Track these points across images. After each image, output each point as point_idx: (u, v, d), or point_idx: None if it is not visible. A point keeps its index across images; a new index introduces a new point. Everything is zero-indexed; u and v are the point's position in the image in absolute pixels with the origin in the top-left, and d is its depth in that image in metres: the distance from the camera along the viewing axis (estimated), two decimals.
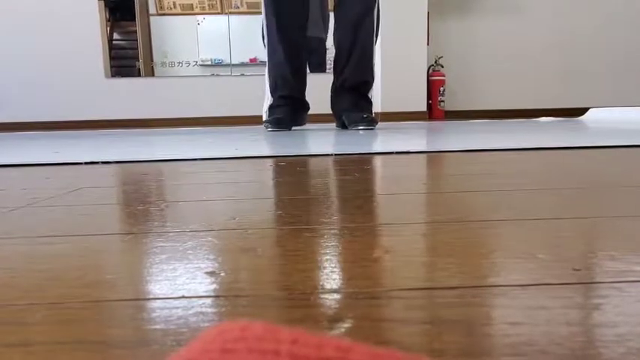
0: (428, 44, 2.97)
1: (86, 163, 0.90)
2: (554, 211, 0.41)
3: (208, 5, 3.59)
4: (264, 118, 1.91)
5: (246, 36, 3.55)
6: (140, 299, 0.24)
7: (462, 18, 3.13)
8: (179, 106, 3.09)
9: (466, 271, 0.26)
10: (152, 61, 3.62)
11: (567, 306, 0.21)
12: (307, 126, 2.11)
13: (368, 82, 1.88)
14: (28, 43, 3.01)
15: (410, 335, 0.19)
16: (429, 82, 3.03)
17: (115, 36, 3.45)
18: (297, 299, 0.23)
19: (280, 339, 0.11)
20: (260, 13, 1.86)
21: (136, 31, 3.52)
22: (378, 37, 1.90)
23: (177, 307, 0.22)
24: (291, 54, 1.82)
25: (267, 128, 1.86)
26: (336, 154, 0.95)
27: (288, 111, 1.90)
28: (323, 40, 2.89)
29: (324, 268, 0.27)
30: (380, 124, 1.97)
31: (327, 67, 3.01)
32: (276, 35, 1.80)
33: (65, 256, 0.31)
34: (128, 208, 0.48)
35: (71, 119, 3.02)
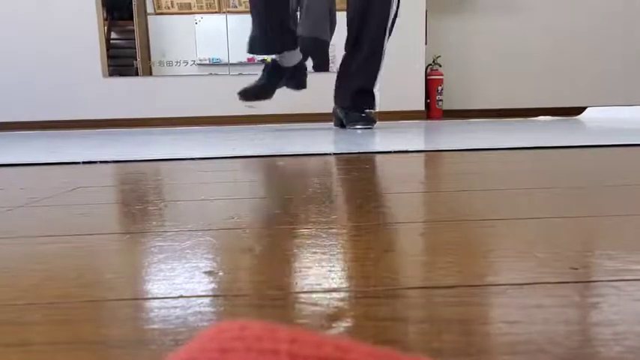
0: (426, 43, 2.97)
1: (84, 163, 0.90)
2: (552, 210, 0.41)
3: (206, 4, 3.58)
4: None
5: (244, 35, 3.54)
6: (138, 299, 0.24)
7: (460, 17, 3.13)
8: (177, 105, 3.08)
9: (464, 270, 0.26)
10: (150, 60, 3.61)
11: (565, 305, 0.21)
12: (306, 125, 2.11)
13: (373, 75, 1.81)
14: (26, 42, 3.00)
15: (408, 334, 0.19)
16: (427, 81, 3.04)
17: (113, 35, 3.44)
18: (296, 298, 0.23)
19: (279, 338, 0.11)
20: None
21: (133, 31, 3.52)
22: (394, 25, 1.81)
23: (176, 307, 0.22)
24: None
25: (240, 99, 1.83)
26: (334, 154, 0.95)
27: (267, 77, 1.85)
28: (326, 42, 2.87)
29: (323, 267, 0.27)
30: (378, 124, 1.97)
31: (330, 67, 3.00)
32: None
33: (63, 256, 0.31)
34: (126, 207, 0.48)
35: (69, 118, 3.01)
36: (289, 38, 1.86)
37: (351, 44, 1.83)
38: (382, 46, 1.80)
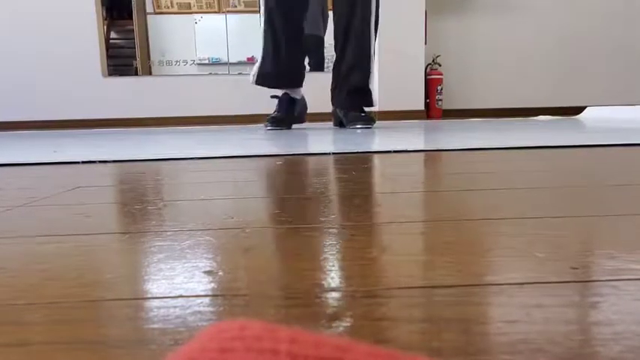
0: (425, 43, 2.97)
1: (83, 162, 0.90)
2: (552, 209, 0.41)
3: (206, 4, 3.58)
4: (252, 80, 1.90)
5: (243, 35, 3.55)
6: (138, 299, 0.24)
7: (460, 17, 3.13)
8: (176, 105, 3.08)
9: (464, 269, 0.26)
10: (149, 59, 3.61)
11: (564, 304, 0.21)
12: (305, 125, 2.11)
13: (366, 72, 1.84)
14: (25, 41, 3.00)
15: (408, 334, 0.19)
16: (426, 80, 3.04)
17: (112, 35, 3.44)
18: (295, 298, 0.23)
19: (278, 338, 0.11)
20: (257, 12, 1.85)
21: (133, 30, 3.52)
22: (379, 22, 1.85)
23: (175, 307, 0.22)
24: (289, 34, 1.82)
25: (266, 127, 1.87)
26: (334, 153, 0.95)
27: (288, 108, 1.90)
28: (321, 39, 2.88)
29: (322, 266, 0.27)
30: (378, 123, 1.97)
31: (326, 65, 3.01)
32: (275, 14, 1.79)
33: (63, 256, 0.31)
34: (126, 207, 0.48)
35: (68, 118, 3.01)
36: (301, 76, 1.95)
37: (340, 47, 1.87)
38: (370, 44, 1.84)
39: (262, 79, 1.88)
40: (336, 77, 1.91)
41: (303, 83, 1.97)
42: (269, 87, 1.92)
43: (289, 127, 1.92)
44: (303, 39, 1.92)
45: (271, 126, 1.86)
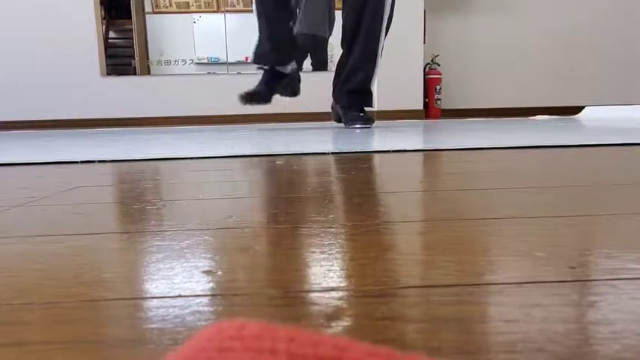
0: (424, 42, 2.97)
1: (82, 162, 0.90)
2: (550, 209, 0.41)
3: (204, 3, 3.58)
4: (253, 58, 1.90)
5: (242, 34, 3.54)
6: (137, 298, 0.24)
7: (459, 16, 3.13)
8: (175, 104, 3.08)
9: (463, 269, 0.26)
10: (148, 59, 3.61)
11: (563, 303, 0.21)
12: (304, 124, 2.11)
13: (370, 73, 1.83)
14: (24, 41, 2.99)
15: (407, 333, 0.19)
16: (425, 80, 3.04)
17: (111, 34, 3.43)
18: (295, 298, 0.23)
19: (277, 337, 0.11)
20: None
21: (131, 30, 3.51)
22: (391, 24, 1.82)
23: (174, 306, 0.22)
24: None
25: (241, 101, 1.85)
26: (333, 153, 0.95)
27: (267, 82, 1.88)
28: (325, 40, 2.88)
29: (322, 266, 0.27)
30: (376, 123, 1.97)
31: (328, 66, 3.00)
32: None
33: (62, 256, 0.31)
34: (125, 206, 0.47)
35: (67, 118, 3.01)
36: (293, 50, 1.92)
37: (347, 44, 1.84)
38: (378, 46, 1.81)
39: (258, 58, 1.87)
40: (340, 73, 1.88)
41: (302, 79, 1.94)
42: (264, 65, 1.88)
43: (267, 101, 1.89)
44: (293, 19, 1.88)
45: (242, 101, 1.83)
